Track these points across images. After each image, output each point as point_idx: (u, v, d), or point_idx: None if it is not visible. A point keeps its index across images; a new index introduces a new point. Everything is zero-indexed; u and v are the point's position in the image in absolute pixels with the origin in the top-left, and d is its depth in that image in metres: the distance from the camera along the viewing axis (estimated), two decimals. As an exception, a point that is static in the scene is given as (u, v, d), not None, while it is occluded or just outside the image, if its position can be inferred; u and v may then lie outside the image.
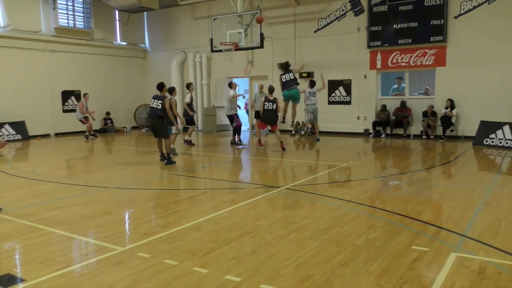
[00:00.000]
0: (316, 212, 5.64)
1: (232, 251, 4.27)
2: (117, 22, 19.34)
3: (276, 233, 4.80)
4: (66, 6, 17.19)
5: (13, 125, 15.47)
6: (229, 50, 14.16)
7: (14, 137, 15.36)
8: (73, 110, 17.84)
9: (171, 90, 10.79)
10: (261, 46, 14.10)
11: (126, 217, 5.81)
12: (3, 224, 5.33)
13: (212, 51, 15.06)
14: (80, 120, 15.68)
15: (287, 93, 12.30)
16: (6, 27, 15.41)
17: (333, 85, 16.05)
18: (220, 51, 14.53)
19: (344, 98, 15.91)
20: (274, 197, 6.61)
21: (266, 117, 12.16)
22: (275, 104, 12.04)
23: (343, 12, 15.56)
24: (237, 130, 13.37)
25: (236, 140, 13.40)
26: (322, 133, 16.02)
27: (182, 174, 8.99)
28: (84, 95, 16.04)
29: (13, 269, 3.97)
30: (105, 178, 8.36)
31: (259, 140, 12.75)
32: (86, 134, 15.59)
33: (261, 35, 13.81)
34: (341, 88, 15.93)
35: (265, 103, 12.06)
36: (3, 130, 15.15)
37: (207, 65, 18.52)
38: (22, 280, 3.68)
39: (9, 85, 15.47)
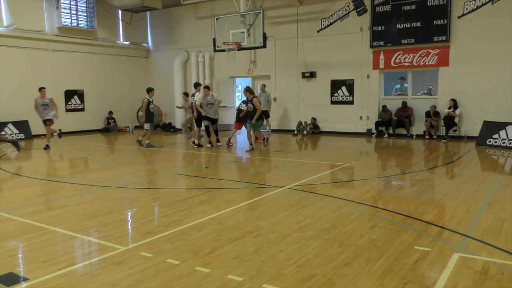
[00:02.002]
0: (318, 212, 5.63)
1: (234, 251, 4.27)
2: (120, 21, 19.37)
3: (278, 233, 4.80)
4: (69, 6, 17.23)
5: (16, 124, 15.51)
6: (232, 50, 14.16)
7: (17, 136, 15.40)
8: (77, 110, 17.93)
9: (148, 90, 13.05)
10: (264, 46, 14.09)
11: (129, 217, 5.82)
12: (6, 223, 5.35)
13: (215, 50, 15.06)
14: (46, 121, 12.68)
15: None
16: (9, 27, 15.45)
17: (336, 85, 16.05)
18: (223, 50, 14.53)
19: (346, 98, 15.89)
20: (276, 196, 6.61)
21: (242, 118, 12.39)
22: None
23: (346, 12, 15.54)
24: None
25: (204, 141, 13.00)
26: (324, 132, 16.01)
27: (184, 174, 9.00)
28: (40, 89, 12.66)
29: (15, 268, 3.98)
30: (107, 177, 8.37)
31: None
32: (47, 143, 12.86)
33: (264, 34, 13.81)
34: (343, 88, 15.91)
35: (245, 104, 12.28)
36: (6, 129, 15.19)
37: (210, 65, 18.54)
38: (25, 279, 3.69)
39: (12, 84, 15.52)
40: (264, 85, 16.56)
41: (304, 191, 6.86)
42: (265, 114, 16.33)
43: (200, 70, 18.57)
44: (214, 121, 12.93)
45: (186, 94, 14.69)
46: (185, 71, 19.04)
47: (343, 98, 15.98)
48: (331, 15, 15.81)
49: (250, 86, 18.66)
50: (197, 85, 13.59)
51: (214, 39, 14.78)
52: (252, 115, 11.53)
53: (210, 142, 12.98)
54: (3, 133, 10.40)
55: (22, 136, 15.55)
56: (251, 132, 12.01)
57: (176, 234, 4.81)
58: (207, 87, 12.84)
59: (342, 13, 15.61)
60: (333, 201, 6.22)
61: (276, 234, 4.76)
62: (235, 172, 9.45)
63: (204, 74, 18.53)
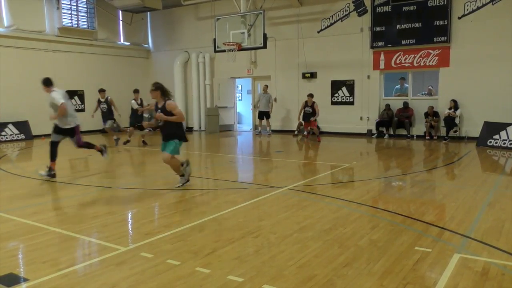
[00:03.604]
0: (319, 213, 5.63)
1: (235, 251, 4.26)
2: (121, 22, 19.38)
3: (279, 234, 4.80)
4: (70, 6, 17.24)
5: (16, 124, 15.52)
6: (232, 50, 14.17)
7: (18, 136, 15.41)
8: (77, 110, 17.86)
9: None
10: (264, 47, 14.11)
11: (129, 217, 5.82)
12: (6, 224, 5.35)
13: (215, 51, 15.07)
14: None
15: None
16: (10, 27, 15.46)
17: (336, 86, 16.04)
18: (223, 51, 14.54)
19: (347, 99, 15.89)
20: (277, 197, 6.60)
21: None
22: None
23: (346, 13, 15.54)
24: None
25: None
26: (325, 133, 16.00)
27: (185, 174, 8.97)
28: None
29: (16, 269, 3.97)
30: (108, 178, 8.37)
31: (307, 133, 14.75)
32: None
33: (265, 35, 13.82)
34: (344, 89, 15.91)
35: (305, 108, 14.17)
36: (6, 129, 15.20)
37: (210, 65, 18.54)
38: (25, 280, 3.68)
39: (13, 84, 15.52)
40: (266, 86, 16.57)
41: (305, 192, 6.86)
42: (266, 115, 16.37)
43: (201, 71, 18.57)
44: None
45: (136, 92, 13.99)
46: (186, 71, 19.04)
47: (343, 99, 15.98)
48: (332, 16, 15.80)
49: (252, 86, 18.66)
50: (135, 91, 13.72)
51: (214, 40, 14.80)
52: (170, 130, 6.92)
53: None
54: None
55: (22, 136, 15.55)
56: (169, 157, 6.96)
57: (176, 234, 4.81)
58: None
59: (343, 14, 15.60)
60: (334, 201, 6.22)
61: (276, 235, 4.75)
62: (235, 173, 9.45)
63: (205, 75, 18.53)
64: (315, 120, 14.58)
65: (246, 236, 4.74)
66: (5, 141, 14.90)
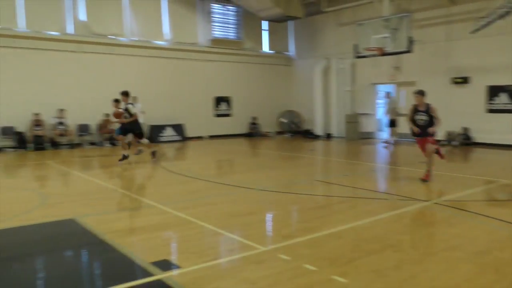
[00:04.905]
0: (470, 232, 5.09)
1: (373, 264, 4.10)
2: (264, 31, 20.35)
3: (422, 250, 4.47)
4: (220, 19, 18.81)
5: (174, 127, 17.46)
6: (374, 56, 13.73)
7: (174, 138, 17.27)
8: (225, 115, 19.33)
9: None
10: (409, 51, 13.35)
11: (269, 219, 6.04)
12: (163, 216, 6.01)
13: (356, 57, 14.78)
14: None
15: None
16: (170, 41, 17.46)
17: (493, 91, 14.34)
18: (364, 57, 14.18)
19: (507, 106, 14.06)
20: (420, 211, 6.17)
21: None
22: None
23: (508, 9, 13.77)
24: None
25: None
26: (478, 144, 14.41)
27: (323, 181, 8.99)
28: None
29: (169, 256, 4.45)
30: (250, 179, 8.80)
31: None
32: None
33: (409, 38, 13.08)
34: (503, 95, 14.11)
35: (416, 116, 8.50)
36: (165, 130, 17.14)
37: (351, 72, 18.24)
38: (177, 267, 4.09)
39: (169, 90, 17.44)
40: (388, 93, 15.79)
41: (453, 207, 6.26)
42: (391, 122, 15.15)
43: (341, 77, 18.39)
44: None
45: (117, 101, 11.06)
46: (326, 78, 19.04)
47: (503, 106, 14.18)
48: (489, 14, 14.17)
49: (395, 93, 17.34)
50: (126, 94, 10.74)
51: (356, 45, 14.53)
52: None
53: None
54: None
55: (179, 138, 17.37)
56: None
57: (314, 240, 4.83)
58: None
59: (503, 11, 13.86)
60: (489, 221, 5.55)
61: (419, 251, 4.44)
62: (375, 182, 9.11)
63: (345, 81, 18.31)
64: (433, 134, 8.50)
65: (385, 249, 4.53)
66: (164, 141, 16.84)
